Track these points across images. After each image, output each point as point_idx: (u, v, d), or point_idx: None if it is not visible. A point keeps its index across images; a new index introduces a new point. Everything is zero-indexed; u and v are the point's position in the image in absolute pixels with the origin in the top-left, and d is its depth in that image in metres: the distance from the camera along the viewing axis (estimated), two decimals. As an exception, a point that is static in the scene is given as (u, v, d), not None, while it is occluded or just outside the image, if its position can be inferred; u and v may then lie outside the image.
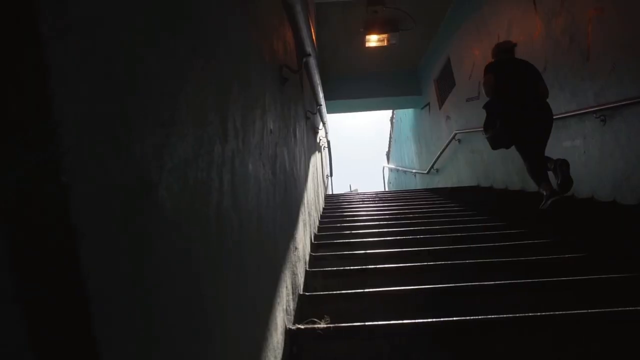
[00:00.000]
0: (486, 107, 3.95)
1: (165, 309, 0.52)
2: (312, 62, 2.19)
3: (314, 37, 1.96)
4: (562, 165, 3.44)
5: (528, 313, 1.56)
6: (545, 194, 3.65)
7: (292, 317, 1.65)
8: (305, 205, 2.53)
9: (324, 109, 3.51)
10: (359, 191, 12.84)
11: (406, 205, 4.96)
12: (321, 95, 2.99)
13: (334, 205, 5.27)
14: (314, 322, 1.57)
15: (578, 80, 4.28)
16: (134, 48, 0.48)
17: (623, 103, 3.55)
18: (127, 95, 0.45)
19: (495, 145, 4.01)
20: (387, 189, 15.43)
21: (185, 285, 0.58)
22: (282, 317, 1.40)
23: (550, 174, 3.65)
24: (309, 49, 1.98)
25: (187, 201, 0.60)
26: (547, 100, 3.74)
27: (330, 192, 9.65)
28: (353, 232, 3.32)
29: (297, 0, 1.53)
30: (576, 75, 4.30)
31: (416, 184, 12.04)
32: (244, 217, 0.93)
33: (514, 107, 3.70)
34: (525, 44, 5.30)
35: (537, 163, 3.72)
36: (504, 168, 6.30)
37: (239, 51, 1.00)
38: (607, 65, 3.80)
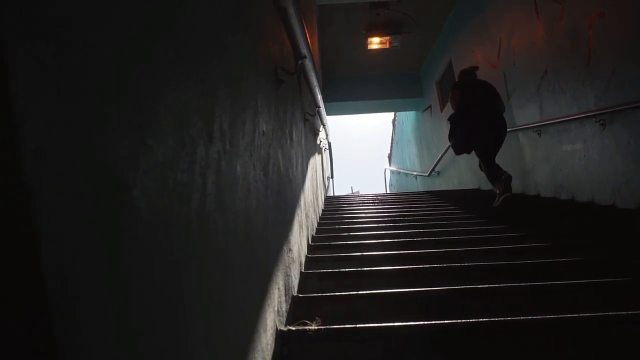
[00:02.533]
0: (450, 118, 4.72)
1: (140, 309, 0.52)
2: (309, 64, 2.19)
3: (309, 40, 1.95)
4: (507, 179, 4.27)
5: (523, 317, 1.56)
6: (498, 192, 4.38)
7: (284, 319, 1.65)
8: (302, 206, 2.54)
9: (322, 110, 3.51)
10: (360, 193, 12.84)
11: (405, 208, 4.96)
12: (319, 97, 2.99)
13: (334, 207, 5.28)
14: (305, 324, 1.57)
15: (579, 84, 4.27)
16: (106, 50, 0.48)
17: (623, 107, 3.55)
18: (98, 97, 0.45)
19: (457, 151, 4.78)
20: (388, 191, 15.42)
21: (162, 284, 0.59)
22: (272, 319, 1.40)
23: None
24: (304, 51, 1.98)
25: (165, 202, 0.60)
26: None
27: (332, 194, 9.65)
28: (351, 234, 3.32)
29: (289, 3, 1.53)
30: (577, 79, 4.30)
31: (417, 186, 12.04)
32: (230, 218, 0.93)
33: (474, 119, 4.42)
34: (527, 47, 5.31)
35: (493, 166, 4.45)
36: (505, 171, 6.29)
37: (228, 53, 1.00)
38: (608, 69, 3.80)
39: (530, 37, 5.22)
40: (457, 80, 4.93)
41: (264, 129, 1.44)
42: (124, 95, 0.51)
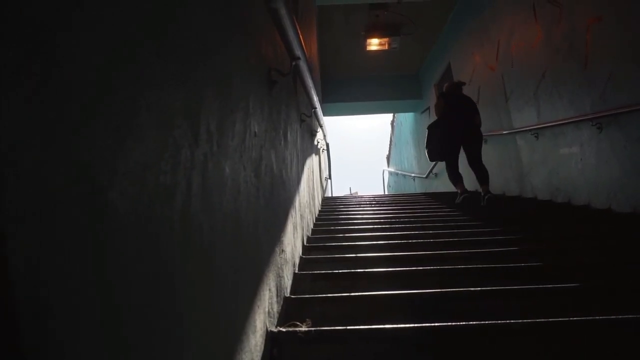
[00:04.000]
0: (429, 127, 5.30)
1: (116, 310, 0.52)
2: (303, 65, 2.19)
3: (302, 41, 1.95)
4: (488, 195, 4.74)
5: (515, 320, 1.56)
6: (459, 192, 5.11)
7: (276, 320, 1.65)
8: (297, 207, 2.54)
9: (319, 111, 3.51)
10: (358, 194, 12.84)
11: (402, 209, 4.96)
12: (315, 98, 2.99)
13: (331, 207, 5.28)
14: (296, 325, 1.57)
15: (576, 88, 4.28)
16: (80, 50, 0.48)
17: (619, 111, 3.55)
18: (72, 98, 0.45)
19: (431, 158, 5.41)
20: (386, 192, 15.43)
21: (140, 285, 0.59)
22: (262, 320, 1.40)
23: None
24: (297, 53, 1.98)
25: (146, 204, 0.60)
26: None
27: (330, 195, 9.65)
28: (346, 235, 3.32)
29: (281, 4, 1.53)
30: (574, 82, 4.31)
31: (415, 187, 12.05)
32: (217, 220, 0.93)
33: (451, 130, 5.01)
34: (525, 50, 5.32)
35: (456, 170, 5.11)
36: (502, 174, 6.31)
37: (216, 54, 1.00)
38: (605, 73, 3.81)
39: (528, 40, 5.23)
40: (444, 90, 5.41)
41: (256, 130, 1.44)
42: (100, 97, 0.51)
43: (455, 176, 5.13)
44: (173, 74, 0.73)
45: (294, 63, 2.03)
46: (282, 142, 2.02)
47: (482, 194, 4.82)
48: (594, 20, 3.93)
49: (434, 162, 9.46)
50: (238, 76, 1.21)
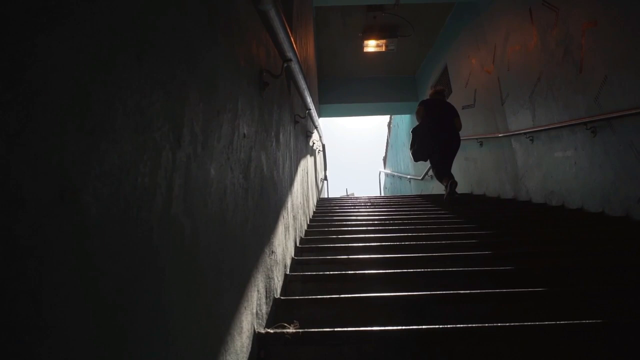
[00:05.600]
0: (412, 131, 5.80)
1: (86, 313, 0.53)
2: (295, 67, 2.19)
3: (294, 43, 1.95)
4: (452, 184, 5.29)
5: (501, 323, 1.57)
6: (444, 185, 5.46)
7: (264, 321, 1.65)
8: (289, 209, 2.54)
9: (314, 112, 3.51)
10: (354, 195, 12.84)
11: (397, 211, 4.96)
12: (309, 99, 2.99)
13: (326, 209, 5.28)
14: (284, 327, 1.57)
15: (571, 92, 4.30)
16: (51, 51, 0.48)
17: (613, 115, 3.56)
18: (42, 101, 0.46)
19: (416, 159, 5.84)
20: (382, 194, 15.43)
21: (116, 286, 0.59)
22: (250, 321, 1.40)
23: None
24: (289, 54, 1.98)
25: (123, 206, 0.61)
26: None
27: (326, 196, 9.65)
28: (340, 236, 3.32)
29: (270, 6, 1.53)
30: (569, 86, 4.32)
31: (411, 189, 12.06)
32: (200, 221, 0.93)
33: (431, 135, 5.48)
34: (521, 53, 5.34)
35: (442, 171, 5.51)
36: (497, 177, 6.32)
37: (201, 57, 1.00)
38: (600, 77, 3.83)
39: (524, 44, 5.25)
40: (428, 97, 5.96)
41: (245, 131, 1.44)
42: (72, 99, 0.51)
43: (440, 172, 5.54)
44: (154, 77, 0.73)
45: (285, 65, 2.04)
46: (274, 144, 2.02)
47: (447, 191, 5.35)
48: (589, 25, 3.95)
49: (430, 165, 9.53)
50: (225, 78, 1.21)
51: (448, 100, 8.18)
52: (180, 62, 0.86)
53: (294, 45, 1.95)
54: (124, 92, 0.62)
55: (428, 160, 5.79)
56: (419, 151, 5.68)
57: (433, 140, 5.49)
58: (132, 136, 0.64)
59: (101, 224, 0.55)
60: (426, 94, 10.08)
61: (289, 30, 1.79)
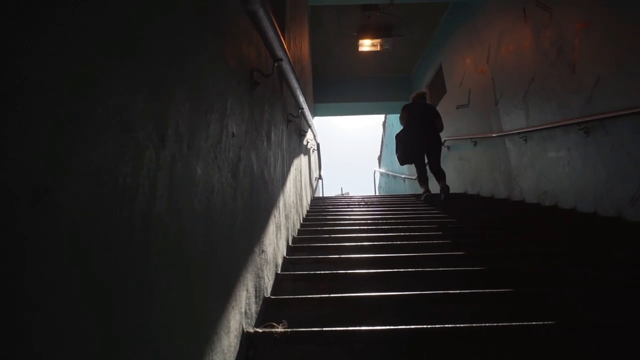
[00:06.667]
0: (396, 136, 6.18)
1: (69, 310, 0.52)
2: (286, 66, 2.19)
3: (284, 43, 1.95)
4: (445, 189, 5.53)
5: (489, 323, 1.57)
6: (423, 190, 5.92)
7: (253, 321, 1.65)
8: (281, 208, 2.54)
9: (306, 112, 3.51)
10: (349, 194, 12.85)
11: (390, 211, 4.97)
12: (301, 99, 2.98)
13: (320, 208, 5.28)
14: (273, 326, 1.57)
15: (564, 92, 4.32)
16: (28, 51, 0.48)
17: (606, 116, 3.58)
18: (13, 101, 0.46)
19: (402, 162, 6.14)
20: (377, 193, 15.43)
21: (95, 286, 0.59)
22: (238, 320, 1.40)
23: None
24: (279, 54, 1.98)
25: (102, 206, 0.61)
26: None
27: (321, 195, 9.65)
28: (332, 236, 3.32)
29: (258, 6, 1.52)
30: (563, 87, 4.34)
31: (405, 189, 12.07)
32: (185, 221, 0.93)
33: (414, 139, 5.85)
34: (515, 54, 5.35)
35: (424, 173, 5.92)
36: (491, 176, 6.33)
37: (188, 57, 1.00)
38: (592, 77, 3.84)
39: (518, 44, 5.26)
40: (411, 101, 6.33)
41: (235, 130, 1.44)
42: (48, 100, 0.51)
43: (422, 178, 5.95)
44: (137, 76, 0.73)
45: (276, 64, 2.03)
46: (265, 143, 2.02)
47: (440, 188, 5.61)
48: (582, 26, 3.96)
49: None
50: (213, 78, 1.21)
51: (448, 100, 8.26)
52: (165, 62, 0.86)
53: (284, 45, 1.95)
54: (103, 91, 0.62)
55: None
56: (403, 155, 6.01)
57: (415, 144, 5.87)
58: (113, 136, 0.64)
59: (79, 224, 0.55)
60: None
61: (278, 30, 1.79)
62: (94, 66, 0.61)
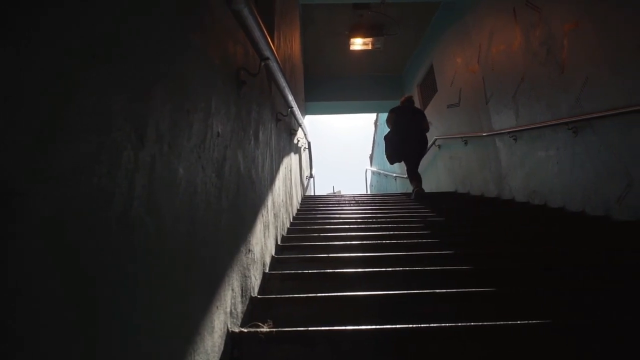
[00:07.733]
0: (384, 138, 6.40)
1: (37, 310, 0.52)
2: (274, 65, 2.18)
3: (270, 42, 1.94)
4: (420, 191, 5.87)
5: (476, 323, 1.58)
6: (413, 188, 6.00)
7: (240, 320, 1.65)
8: (269, 207, 2.53)
9: (296, 111, 3.51)
10: (341, 193, 12.86)
11: (381, 209, 4.98)
12: (290, 97, 2.98)
13: (310, 206, 5.28)
14: (258, 326, 1.57)
15: (553, 92, 4.34)
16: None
17: (594, 116, 3.60)
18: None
19: (391, 162, 6.39)
20: (368, 192, 15.45)
21: (71, 288, 0.58)
22: (222, 320, 1.40)
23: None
24: (266, 53, 1.98)
25: (76, 208, 0.60)
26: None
27: (312, 194, 9.65)
28: (322, 234, 3.32)
29: (242, 6, 1.52)
30: (552, 86, 4.36)
31: (397, 187, 12.10)
32: (166, 221, 0.93)
33: (402, 137, 6.09)
34: (506, 54, 5.37)
35: (413, 171, 6.10)
36: (481, 175, 6.36)
37: (169, 57, 1.00)
38: (581, 78, 3.86)
39: (509, 44, 5.28)
40: (400, 104, 6.50)
41: (220, 130, 1.43)
42: (19, 102, 0.51)
43: (412, 176, 6.12)
44: (114, 77, 0.73)
45: (263, 63, 2.03)
46: (252, 142, 2.02)
47: (413, 189, 5.98)
48: (571, 26, 3.98)
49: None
50: (197, 77, 1.20)
51: (439, 99, 8.28)
52: (145, 62, 0.85)
53: (271, 44, 1.94)
54: (77, 91, 0.62)
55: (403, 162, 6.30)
56: (392, 155, 6.27)
57: (404, 142, 6.09)
58: (88, 137, 0.64)
59: (52, 225, 0.55)
60: (413, 92, 10.16)
61: (264, 29, 1.79)
62: (70, 65, 0.60)
